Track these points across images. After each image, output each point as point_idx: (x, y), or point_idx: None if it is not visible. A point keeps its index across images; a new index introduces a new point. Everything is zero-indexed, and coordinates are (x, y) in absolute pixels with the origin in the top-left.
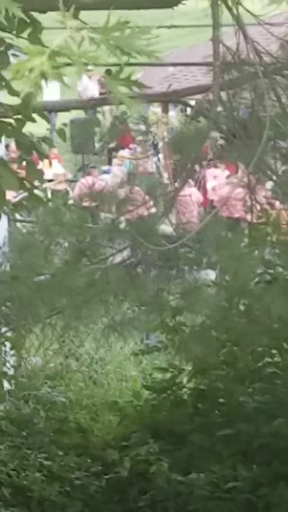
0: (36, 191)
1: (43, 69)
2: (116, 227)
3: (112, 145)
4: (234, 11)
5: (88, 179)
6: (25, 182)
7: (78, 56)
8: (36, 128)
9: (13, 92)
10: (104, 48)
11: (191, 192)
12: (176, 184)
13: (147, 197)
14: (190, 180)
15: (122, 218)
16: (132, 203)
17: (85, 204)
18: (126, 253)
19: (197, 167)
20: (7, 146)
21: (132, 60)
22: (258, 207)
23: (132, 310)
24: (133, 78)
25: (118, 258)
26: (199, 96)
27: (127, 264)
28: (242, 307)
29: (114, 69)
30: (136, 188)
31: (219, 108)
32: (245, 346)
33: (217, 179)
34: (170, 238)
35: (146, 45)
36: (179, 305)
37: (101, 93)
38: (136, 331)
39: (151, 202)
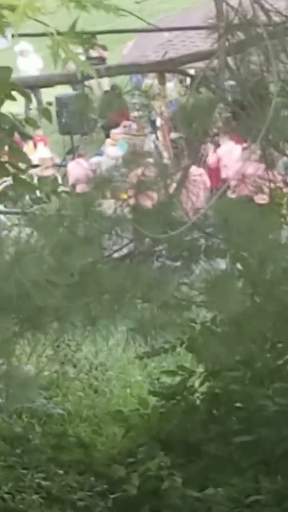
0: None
1: None
2: (141, 215)
3: (102, 123)
4: None
5: (78, 163)
6: (8, 167)
7: (22, 6)
8: (17, 107)
9: None
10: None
11: (200, 172)
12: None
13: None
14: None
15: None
16: (148, 187)
17: (79, 190)
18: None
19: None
20: None
21: (123, 27)
22: (268, 185)
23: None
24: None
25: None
26: (199, 64)
27: (142, 256)
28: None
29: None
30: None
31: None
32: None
33: (231, 153)
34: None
35: None
36: (203, 301)
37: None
38: (165, 333)
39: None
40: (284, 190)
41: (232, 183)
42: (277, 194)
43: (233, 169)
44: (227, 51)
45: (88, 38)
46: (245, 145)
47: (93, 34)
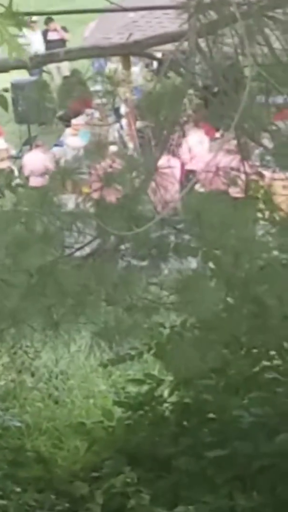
0: None
1: None
2: (105, 209)
3: (61, 112)
4: None
5: (36, 154)
6: None
7: None
8: None
9: None
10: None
11: (174, 165)
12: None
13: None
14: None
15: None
16: (113, 180)
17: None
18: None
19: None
20: None
21: (85, 6)
22: (243, 177)
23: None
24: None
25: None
26: (167, 46)
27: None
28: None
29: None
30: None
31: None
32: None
33: (201, 144)
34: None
35: None
36: (173, 303)
37: (47, 48)
38: (131, 338)
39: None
40: (260, 182)
41: (203, 175)
42: (252, 186)
43: (204, 160)
44: (198, 32)
45: (24, 20)
46: (217, 134)
47: (52, 15)
